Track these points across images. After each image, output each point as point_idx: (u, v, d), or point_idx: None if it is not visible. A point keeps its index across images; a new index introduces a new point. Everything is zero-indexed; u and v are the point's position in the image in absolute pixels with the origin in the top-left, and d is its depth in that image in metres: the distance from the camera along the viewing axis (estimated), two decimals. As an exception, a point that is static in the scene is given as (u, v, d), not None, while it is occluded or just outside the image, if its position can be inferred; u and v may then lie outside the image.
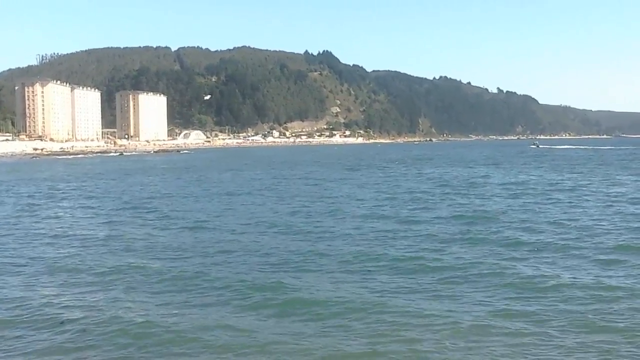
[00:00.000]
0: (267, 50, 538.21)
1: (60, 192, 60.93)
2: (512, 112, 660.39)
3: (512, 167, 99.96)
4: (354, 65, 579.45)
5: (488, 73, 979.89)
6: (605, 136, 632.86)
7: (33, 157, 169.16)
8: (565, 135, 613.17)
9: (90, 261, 24.69)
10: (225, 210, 43.20)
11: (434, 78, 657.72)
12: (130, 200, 51.79)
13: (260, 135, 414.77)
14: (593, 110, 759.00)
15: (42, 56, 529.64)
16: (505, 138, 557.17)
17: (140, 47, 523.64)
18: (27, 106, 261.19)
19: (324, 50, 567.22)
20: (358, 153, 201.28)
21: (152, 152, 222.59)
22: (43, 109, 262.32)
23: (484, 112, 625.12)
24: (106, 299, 19.08)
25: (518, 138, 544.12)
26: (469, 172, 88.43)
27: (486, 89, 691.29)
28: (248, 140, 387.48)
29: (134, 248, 27.93)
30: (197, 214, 40.51)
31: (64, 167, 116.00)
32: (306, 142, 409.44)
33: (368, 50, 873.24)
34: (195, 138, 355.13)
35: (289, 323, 16.95)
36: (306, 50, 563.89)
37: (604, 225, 33.57)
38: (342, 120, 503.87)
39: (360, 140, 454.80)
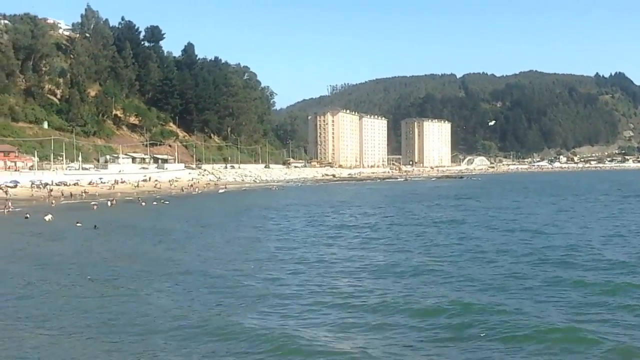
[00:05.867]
0: (554, 73, 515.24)
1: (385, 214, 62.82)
2: None
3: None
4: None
5: None
6: None
7: (324, 182, 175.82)
8: None
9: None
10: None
11: None
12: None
13: (547, 161, 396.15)
14: None
15: (333, 87, 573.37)
16: None
17: (425, 75, 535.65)
18: (318, 134, 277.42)
19: (616, 72, 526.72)
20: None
21: (434, 178, 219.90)
22: (333, 137, 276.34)
23: None
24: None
25: None
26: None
27: None
28: (534, 165, 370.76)
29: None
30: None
31: (362, 192, 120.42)
32: (596, 167, 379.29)
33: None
34: (478, 163, 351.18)
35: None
36: (597, 73, 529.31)
37: None
38: (636, 145, 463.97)
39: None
